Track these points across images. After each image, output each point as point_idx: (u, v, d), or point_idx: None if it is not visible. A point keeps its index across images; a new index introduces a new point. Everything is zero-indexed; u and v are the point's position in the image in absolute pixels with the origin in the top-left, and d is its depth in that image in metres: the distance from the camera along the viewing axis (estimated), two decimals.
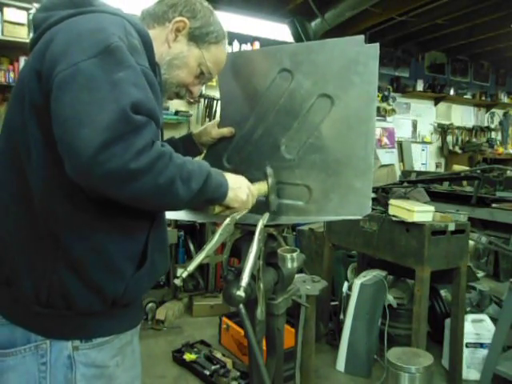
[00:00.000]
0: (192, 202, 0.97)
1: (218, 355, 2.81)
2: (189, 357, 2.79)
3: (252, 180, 1.27)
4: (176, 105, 4.69)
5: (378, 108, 6.04)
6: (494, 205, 3.31)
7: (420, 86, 6.25)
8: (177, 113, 4.67)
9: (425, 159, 6.64)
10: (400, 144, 6.29)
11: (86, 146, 0.77)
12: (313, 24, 4.65)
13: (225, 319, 3.13)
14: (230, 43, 4.73)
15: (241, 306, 1.13)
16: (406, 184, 2.94)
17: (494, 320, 2.69)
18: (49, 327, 0.94)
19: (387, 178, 2.78)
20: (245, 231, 1.34)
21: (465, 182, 3.93)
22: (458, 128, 6.86)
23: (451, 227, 2.42)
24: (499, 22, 5.04)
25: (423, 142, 6.59)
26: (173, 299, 3.74)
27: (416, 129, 6.52)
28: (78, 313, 0.94)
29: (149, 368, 2.73)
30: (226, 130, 1.49)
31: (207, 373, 2.62)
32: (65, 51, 0.85)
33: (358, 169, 1.27)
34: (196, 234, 4.05)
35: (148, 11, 1.16)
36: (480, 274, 4.02)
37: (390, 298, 2.85)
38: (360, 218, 1.26)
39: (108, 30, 0.88)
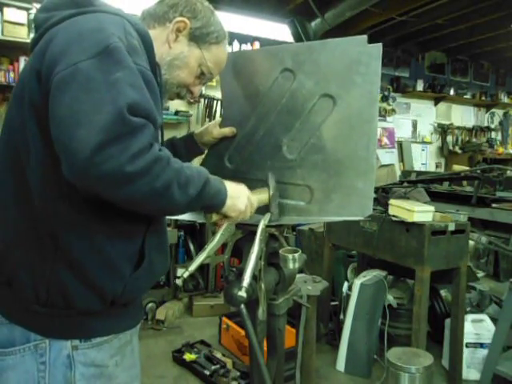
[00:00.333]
0: (189, 207, 0.96)
1: (218, 355, 2.81)
2: (189, 357, 2.79)
3: (253, 180, 1.27)
4: (176, 105, 4.69)
5: (378, 108, 6.03)
6: (493, 205, 3.31)
7: (420, 86, 6.25)
8: (177, 113, 4.67)
9: (425, 159, 6.64)
10: (400, 144, 6.29)
11: (82, 147, 0.77)
12: (313, 24, 4.65)
13: (225, 319, 3.13)
14: (230, 43, 4.72)
15: (242, 306, 1.14)
16: (406, 184, 2.94)
17: (494, 320, 2.69)
18: (48, 327, 0.95)
19: (387, 178, 2.79)
20: (246, 231, 1.34)
21: (465, 182, 3.93)
22: (458, 128, 6.86)
23: (451, 227, 2.42)
24: (499, 21, 5.04)
25: (423, 142, 6.59)
26: (173, 299, 3.74)
27: (416, 129, 6.52)
28: (77, 312, 0.94)
29: (149, 368, 2.73)
30: (228, 130, 1.49)
31: (207, 373, 2.62)
32: (64, 51, 0.85)
33: (360, 169, 1.27)
34: (196, 234, 4.05)
35: (148, 11, 1.15)
36: (480, 274, 4.02)
37: (390, 298, 2.85)
38: (361, 218, 1.26)
39: (108, 30, 0.87)
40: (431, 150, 6.73)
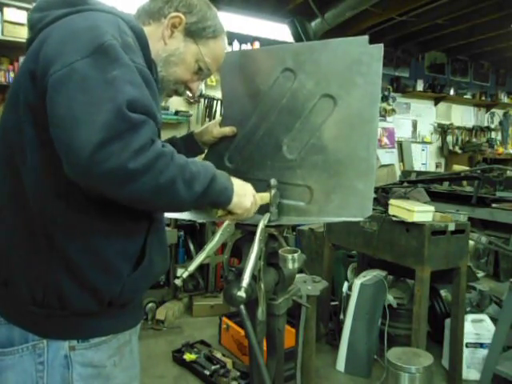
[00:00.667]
0: (196, 203, 0.96)
1: (218, 355, 2.81)
2: (189, 357, 2.79)
3: (253, 180, 1.26)
4: (176, 105, 4.69)
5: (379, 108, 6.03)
6: (493, 205, 3.31)
7: (420, 86, 6.25)
8: (177, 113, 4.67)
9: (425, 159, 6.64)
10: (400, 144, 6.29)
11: (84, 146, 0.77)
12: (313, 24, 4.65)
13: (225, 319, 3.13)
14: (230, 43, 4.72)
15: (241, 306, 1.13)
16: (406, 184, 2.94)
17: (494, 320, 2.69)
18: (45, 327, 0.94)
19: (387, 178, 2.78)
20: (245, 231, 1.34)
21: (465, 182, 3.93)
22: (458, 128, 6.86)
23: (451, 227, 2.42)
24: (499, 21, 5.04)
25: (423, 142, 6.59)
26: (173, 299, 3.74)
27: (416, 129, 6.52)
28: (73, 313, 0.94)
29: (149, 368, 2.73)
30: (228, 129, 1.48)
31: (207, 373, 2.62)
32: (59, 51, 0.84)
33: (360, 170, 1.26)
34: (196, 234, 4.05)
35: (143, 8, 1.14)
36: (480, 274, 4.02)
37: (390, 298, 2.85)
38: (361, 219, 1.26)
39: (101, 28, 0.87)
40: (431, 149, 6.73)
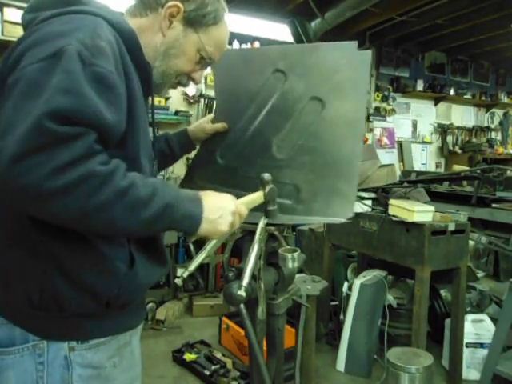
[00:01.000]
0: (147, 230, 0.89)
1: (218, 355, 2.81)
2: (189, 357, 2.79)
3: (243, 177, 1.26)
4: (176, 105, 4.69)
5: (378, 108, 6.03)
6: (493, 205, 3.31)
7: (420, 86, 6.25)
8: (177, 113, 4.67)
9: (425, 159, 6.63)
10: (400, 144, 6.29)
11: (2, 156, 0.72)
12: (313, 24, 4.64)
13: (225, 319, 3.13)
14: (230, 43, 4.72)
15: (241, 305, 1.13)
16: (406, 184, 2.94)
17: (494, 320, 2.69)
18: (44, 329, 0.94)
19: (387, 178, 2.78)
20: (245, 231, 1.34)
21: (465, 182, 3.93)
22: (458, 128, 6.85)
23: (451, 227, 2.42)
24: (499, 21, 5.04)
25: (423, 142, 6.58)
26: (173, 299, 3.74)
27: (416, 129, 6.52)
28: (72, 315, 0.93)
29: (149, 368, 2.73)
30: (220, 126, 1.50)
31: (207, 373, 2.62)
32: (22, 55, 0.82)
33: (345, 173, 1.30)
34: None
35: None
36: (480, 274, 4.02)
37: (390, 298, 2.85)
38: (343, 221, 1.27)
39: (71, 33, 0.83)
40: (431, 149, 6.72)
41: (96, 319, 0.97)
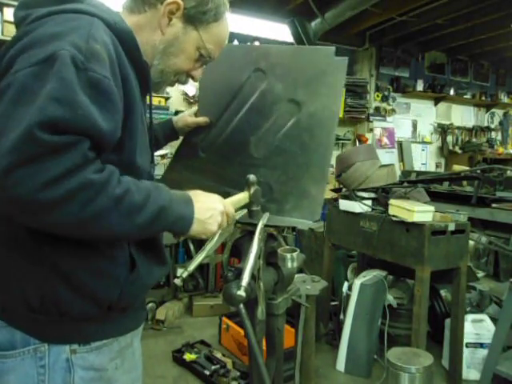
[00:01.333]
0: (142, 234, 0.90)
1: (218, 355, 2.81)
2: (189, 357, 2.79)
3: (224, 173, 1.28)
4: (176, 105, 4.69)
5: (378, 108, 6.03)
6: (493, 205, 3.30)
7: (420, 86, 6.25)
8: (177, 113, 4.67)
9: (425, 159, 6.63)
10: (400, 144, 6.29)
11: None
12: (313, 24, 4.64)
13: (225, 319, 3.13)
14: (230, 43, 4.73)
15: (241, 305, 1.13)
16: (406, 184, 2.94)
17: (494, 320, 2.69)
18: (45, 332, 0.93)
19: (387, 178, 2.78)
20: (245, 231, 1.34)
21: (465, 182, 3.93)
22: (458, 128, 6.85)
23: (451, 227, 2.42)
24: (499, 21, 5.04)
25: (423, 142, 6.58)
26: (173, 299, 3.74)
27: (416, 129, 6.52)
28: (73, 319, 0.93)
29: (149, 368, 2.73)
30: (202, 120, 1.51)
31: (207, 373, 2.62)
32: (15, 58, 0.79)
33: (315, 177, 1.34)
34: None
35: None
36: (480, 274, 4.02)
37: (390, 298, 2.85)
38: (311, 223, 1.32)
39: (65, 36, 0.80)
40: (431, 149, 6.72)
41: (97, 322, 0.96)
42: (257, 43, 4.90)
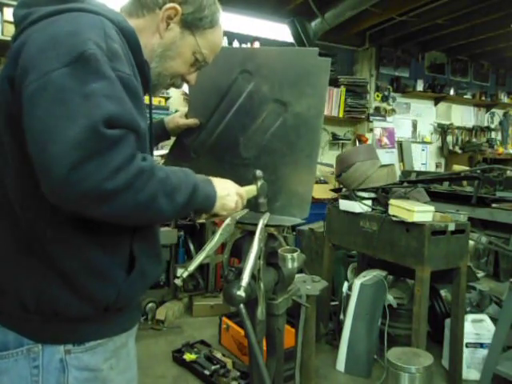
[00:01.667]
0: (179, 214, 0.96)
1: (218, 355, 2.81)
2: (189, 357, 2.79)
3: (215, 175, 1.29)
4: (176, 105, 4.69)
5: (378, 108, 6.03)
6: (493, 205, 3.30)
7: (420, 86, 6.25)
8: (176, 112, 4.68)
9: (425, 159, 6.63)
10: (400, 144, 6.29)
11: (58, 165, 0.73)
12: (313, 24, 4.64)
13: (225, 319, 3.13)
14: (230, 43, 4.73)
15: (241, 305, 1.13)
16: (405, 184, 2.94)
17: (494, 320, 2.69)
18: (39, 332, 0.93)
19: (387, 178, 2.78)
20: (245, 231, 1.34)
21: (465, 182, 3.93)
22: (458, 128, 6.85)
23: (451, 227, 2.42)
24: (499, 21, 5.04)
25: (423, 142, 6.58)
26: (173, 299, 3.74)
27: (416, 129, 6.52)
28: (68, 319, 0.93)
29: (149, 368, 2.73)
30: (192, 121, 1.54)
31: (207, 373, 2.62)
32: (36, 58, 0.80)
33: (303, 175, 1.38)
34: (196, 234, 4.05)
35: None
36: (480, 274, 4.02)
37: (390, 298, 2.85)
38: (300, 221, 1.37)
39: (84, 34, 0.82)
40: (431, 149, 6.72)
41: (92, 322, 0.96)
42: (257, 43, 4.91)
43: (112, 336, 1.00)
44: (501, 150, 7.02)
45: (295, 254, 1.18)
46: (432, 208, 2.44)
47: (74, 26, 0.84)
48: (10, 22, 3.66)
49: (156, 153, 3.27)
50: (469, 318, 2.74)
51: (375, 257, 2.74)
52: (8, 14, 3.67)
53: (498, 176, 3.46)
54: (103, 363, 0.98)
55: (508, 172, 3.47)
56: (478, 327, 2.73)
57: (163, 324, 3.40)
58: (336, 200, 3.03)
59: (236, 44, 4.81)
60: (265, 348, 1.46)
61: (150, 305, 3.46)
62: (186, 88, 4.53)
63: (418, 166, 6.34)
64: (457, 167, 4.80)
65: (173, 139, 1.65)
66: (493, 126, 7.27)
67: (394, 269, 2.83)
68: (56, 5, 0.89)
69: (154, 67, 1.07)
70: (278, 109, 1.42)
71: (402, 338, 2.82)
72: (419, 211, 2.36)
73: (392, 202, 2.53)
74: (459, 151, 6.74)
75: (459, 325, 2.59)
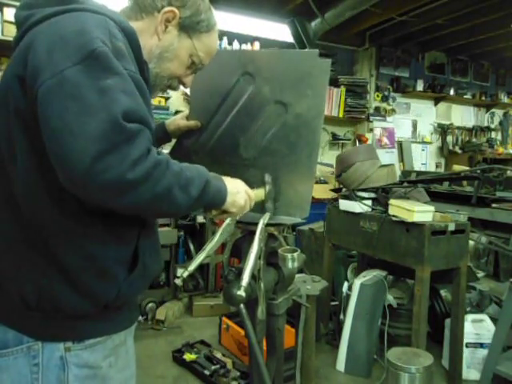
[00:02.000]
0: (192, 208, 0.97)
1: (218, 355, 2.81)
2: (189, 357, 2.79)
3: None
4: (176, 105, 4.69)
5: (378, 108, 6.03)
6: (493, 205, 3.30)
7: (420, 86, 6.24)
8: (177, 112, 4.67)
9: (425, 159, 6.63)
10: (400, 144, 6.29)
11: (81, 158, 0.76)
12: (313, 24, 4.64)
13: (225, 319, 3.13)
14: (230, 43, 4.72)
15: (241, 305, 1.14)
16: (405, 184, 2.94)
17: (494, 320, 2.69)
18: (39, 330, 0.93)
19: (387, 178, 2.78)
20: (245, 231, 1.34)
21: (465, 182, 3.93)
22: (458, 128, 6.85)
23: (451, 227, 2.42)
24: (499, 21, 5.04)
25: (423, 142, 6.58)
26: (173, 299, 3.74)
27: (416, 129, 6.52)
28: (68, 316, 0.93)
29: (149, 368, 2.73)
30: (193, 123, 1.55)
31: (207, 373, 2.62)
32: (47, 58, 0.81)
33: (303, 176, 1.40)
34: (196, 234, 4.05)
35: (135, 1, 1.10)
36: (480, 274, 4.02)
37: (390, 298, 2.85)
38: (299, 220, 1.39)
39: (91, 32, 0.84)
40: (431, 149, 6.72)
41: (92, 320, 0.96)
42: (257, 43, 4.90)
43: (111, 334, 1.01)
44: (501, 149, 7.02)
45: (295, 254, 1.18)
46: (432, 208, 2.44)
47: (79, 25, 0.85)
48: (10, 22, 3.66)
49: None
50: (469, 317, 2.74)
51: (375, 257, 2.74)
52: (8, 14, 3.66)
53: (498, 176, 3.46)
54: (102, 361, 0.99)
55: (508, 172, 3.47)
56: (477, 327, 2.73)
57: (163, 324, 3.40)
58: (336, 200, 3.03)
59: (236, 44, 4.81)
60: (265, 348, 1.46)
61: (150, 305, 3.46)
62: (186, 89, 4.53)
63: (418, 166, 6.34)
64: (457, 167, 4.80)
65: (173, 141, 1.65)
66: (493, 126, 7.26)
67: (394, 269, 2.84)
68: (58, 6, 0.91)
69: (152, 68, 1.08)
70: (279, 110, 1.43)
71: (401, 338, 2.82)
72: (419, 211, 2.36)
73: (392, 202, 2.53)
74: (459, 151, 6.74)
75: (459, 325, 2.59)
